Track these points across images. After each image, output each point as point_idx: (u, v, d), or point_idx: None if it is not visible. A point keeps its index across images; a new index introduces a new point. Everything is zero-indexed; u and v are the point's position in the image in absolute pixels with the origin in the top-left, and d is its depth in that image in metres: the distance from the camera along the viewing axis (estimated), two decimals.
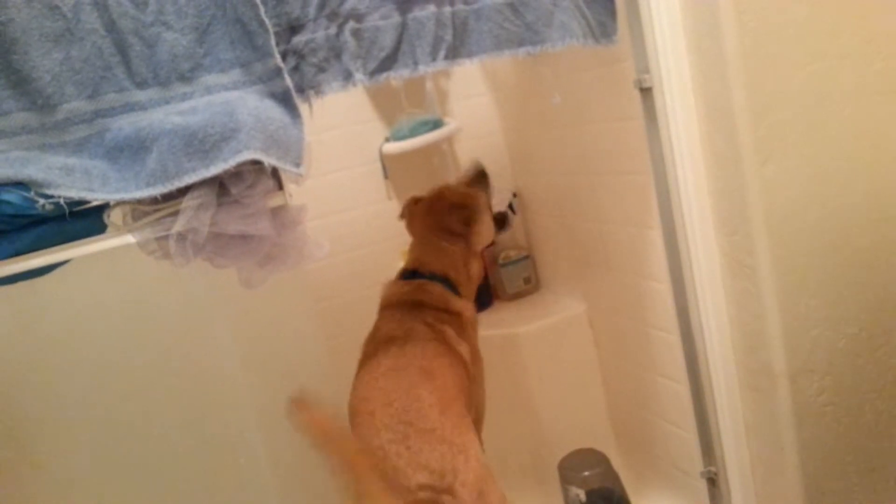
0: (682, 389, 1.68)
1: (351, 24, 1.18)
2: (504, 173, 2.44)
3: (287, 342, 2.02)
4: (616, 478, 1.91)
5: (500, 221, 1.95)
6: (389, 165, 2.31)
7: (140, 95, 1.10)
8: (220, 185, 1.08)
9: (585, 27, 1.34)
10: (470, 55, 1.28)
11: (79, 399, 1.75)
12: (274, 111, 1.10)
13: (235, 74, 1.13)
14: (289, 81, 1.13)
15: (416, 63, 1.23)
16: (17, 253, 1.06)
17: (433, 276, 1.70)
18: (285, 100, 1.13)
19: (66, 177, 1.04)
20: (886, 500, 1.59)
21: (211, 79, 1.12)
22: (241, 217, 1.11)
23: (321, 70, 1.18)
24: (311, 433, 1.19)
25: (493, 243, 2.36)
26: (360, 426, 1.37)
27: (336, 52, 1.18)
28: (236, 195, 1.09)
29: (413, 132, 2.20)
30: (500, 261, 2.43)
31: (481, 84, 2.46)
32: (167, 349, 1.81)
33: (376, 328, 1.64)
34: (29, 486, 1.73)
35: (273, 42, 1.11)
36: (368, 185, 2.34)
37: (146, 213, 1.09)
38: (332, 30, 1.17)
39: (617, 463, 1.96)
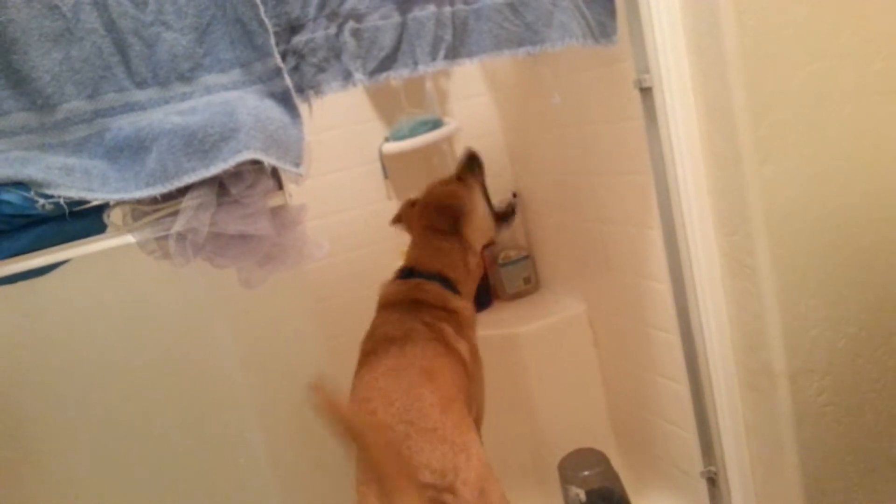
0: (682, 389, 1.68)
1: (351, 24, 1.18)
2: (504, 173, 2.44)
3: (287, 342, 2.02)
4: (616, 478, 1.91)
5: (506, 216, 1.92)
6: (389, 165, 2.31)
7: (140, 95, 1.10)
8: (219, 185, 1.08)
9: (585, 27, 1.34)
10: (470, 55, 1.28)
11: (79, 399, 1.75)
12: (274, 111, 1.10)
13: (235, 74, 1.13)
14: (288, 81, 1.13)
15: (415, 63, 1.23)
16: (17, 253, 1.06)
17: (430, 276, 1.69)
18: (285, 100, 1.13)
19: (65, 177, 1.04)
20: (886, 500, 1.59)
21: (211, 79, 1.12)
22: (241, 217, 1.11)
23: (321, 70, 1.18)
24: (331, 417, 1.19)
25: (492, 243, 2.37)
26: None
27: (336, 52, 1.18)
28: (236, 195, 1.09)
29: (413, 132, 2.20)
30: (500, 261, 2.43)
31: (481, 84, 2.46)
32: (167, 349, 1.81)
33: (374, 327, 1.64)
34: (29, 486, 1.73)
35: (273, 42, 1.11)
36: (368, 185, 2.34)
37: (146, 213, 1.09)
38: (332, 30, 1.17)
39: (617, 463, 1.96)
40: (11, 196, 1.02)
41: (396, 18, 1.20)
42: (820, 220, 1.44)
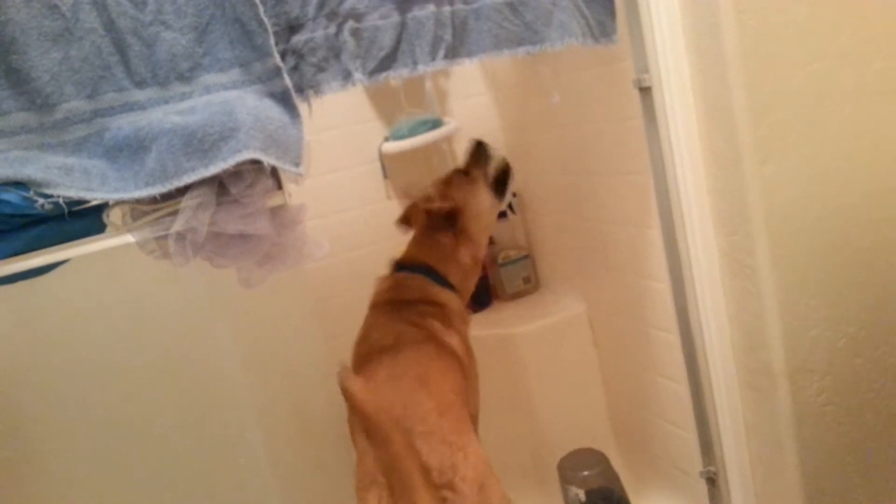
0: (682, 389, 1.68)
1: (350, 24, 1.18)
2: None
3: (287, 342, 2.02)
4: (616, 478, 1.91)
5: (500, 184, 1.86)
6: (389, 165, 2.31)
7: (139, 95, 1.10)
8: (219, 185, 1.08)
9: (585, 27, 1.34)
10: (469, 55, 1.27)
11: (79, 399, 1.75)
12: (273, 111, 1.10)
13: (234, 74, 1.13)
14: (288, 81, 1.13)
15: (415, 62, 1.23)
16: (17, 253, 1.06)
17: (415, 268, 1.69)
18: (284, 99, 1.13)
19: (65, 176, 1.04)
20: (886, 500, 1.59)
21: (210, 78, 1.12)
22: (241, 217, 1.11)
23: (320, 69, 1.18)
24: (358, 406, 1.19)
25: (492, 242, 2.37)
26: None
27: (335, 52, 1.18)
28: (236, 195, 1.09)
29: (412, 132, 2.20)
30: (500, 260, 2.43)
31: (481, 84, 2.46)
32: (167, 349, 1.81)
33: (364, 330, 1.63)
34: (29, 486, 1.73)
35: (272, 41, 1.11)
36: (368, 185, 2.34)
37: (145, 213, 1.09)
38: (332, 29, 1.17)
39: (617, 463, 1.96)
40: (11, 196, 1.02)
41: (396, 18, 1.20)
42: (820, 220, 1.44)
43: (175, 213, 1.07)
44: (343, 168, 2.33)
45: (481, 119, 2.43)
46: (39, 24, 1.03)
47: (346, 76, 1.20)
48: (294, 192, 1.17)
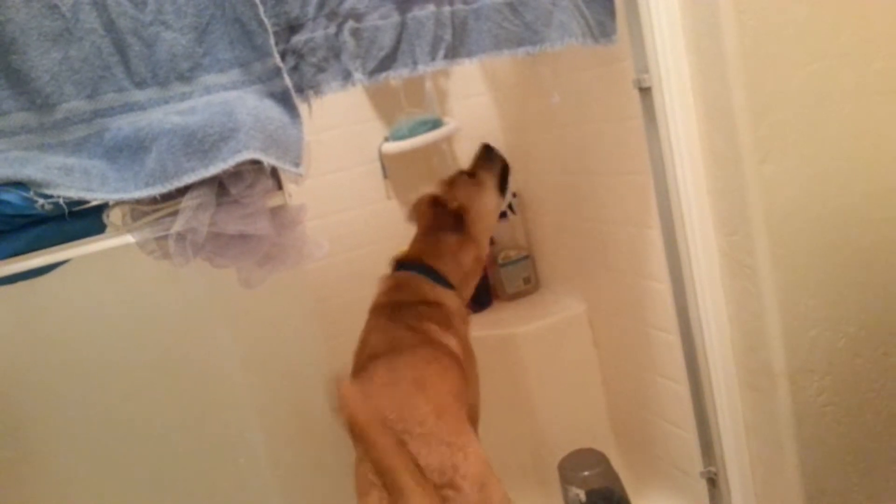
0: (682, 389, 1.68)
1: (350, 24, 1.18)
2: None
3: (287, 342, 2.02)
4: (616, 478, 1.91)
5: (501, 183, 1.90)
6: (389, 165, 2.31)
7: (139, 95, 1.10)
8: (219, 185, 1.08)
9: (584, 27, 1.34)
10: (469, 55, 1.27)
11: (79, 399, 1.75)
12: (273, 111, 1.10)
13: (234, 74, 1.13)
14: (288, 81, 1.13)
15: (415, 63, 1.23)
16: (17, 253, 1.06)
17: (413, 267, 1.69)
18: (284, 99, 1.13)
19: (65, 177, 1.04)
20: (886, 500, 1.59)
21: (210, 78, 1.12)
22: (241, 217, 1.11)
23: (320, 70, 1.18)
24: (344, 414, 1.19)
25: (492, 242, 2.37)
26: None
27: (335, 52, 1.18)
28: (236, 195, 1.09)
29: (412, 132, 2.20)
30: (500, 261, 2.43)
31: (481, 84, 2.46)
32: (167, 349, 1.81)
33: (363, 335, 1.64)
34: (29, 486, 1.73)
35: (272, 42, 1.11)
36: (368, 185, 2.34)
37: (145, 213, 1.09)
38: (332, 29, 1.17)
39: (617, 463, 1.96)
40: (11, 196, 1.02)
41: (396, 18, 1.20)
42: (820, 220, 1.44)
43: (175, 213, 1.07)
44: (343, 168, 2.33)
45: (481, 119, 2.43)
46: (39, 24, 1.03)
47: (346, 76, 1.20)
48: (294, 193, 1.17)
